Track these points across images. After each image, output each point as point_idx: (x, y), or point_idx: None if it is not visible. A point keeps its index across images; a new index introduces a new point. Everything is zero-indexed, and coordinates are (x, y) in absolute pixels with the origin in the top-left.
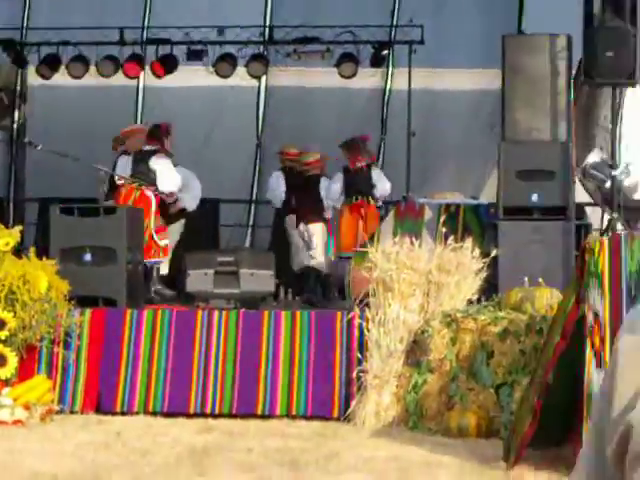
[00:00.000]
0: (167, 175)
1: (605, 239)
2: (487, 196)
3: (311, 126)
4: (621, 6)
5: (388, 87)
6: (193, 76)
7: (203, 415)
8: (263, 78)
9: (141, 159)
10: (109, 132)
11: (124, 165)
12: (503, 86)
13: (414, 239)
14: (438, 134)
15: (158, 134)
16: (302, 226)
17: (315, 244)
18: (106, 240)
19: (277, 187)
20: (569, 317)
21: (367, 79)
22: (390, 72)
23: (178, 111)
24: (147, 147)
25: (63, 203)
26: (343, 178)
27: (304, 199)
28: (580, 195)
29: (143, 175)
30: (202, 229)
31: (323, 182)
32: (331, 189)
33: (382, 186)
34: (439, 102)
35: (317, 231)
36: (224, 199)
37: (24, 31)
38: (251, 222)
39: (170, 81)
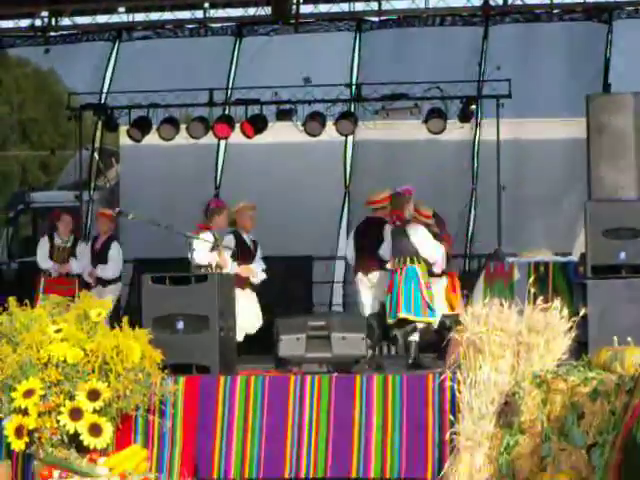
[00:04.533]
0: None
1: None
2: (580, 249)
3: (400, 181)
4: None
5: (477, 139)
6: (280, 134)
7: (297, 479)
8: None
9: None
10: (195, 191)
11: None
12: (588, 145)
13: (504, 300)
14: (528, 186)
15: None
16: None
17: None
18: (198, 308)
19: None
20: None
21: (455, 131)
22: (478, 124)
23: (264, 168)
24: None
25: (155, 264)
26: None
27: None
28: None
29: None
30: (295, 287)
31: None
32: None
33: None
34: (528, 153)
35: None
36: (316, 256)
37: (108, 95)
38: (342, 278)
39: (258, 139)
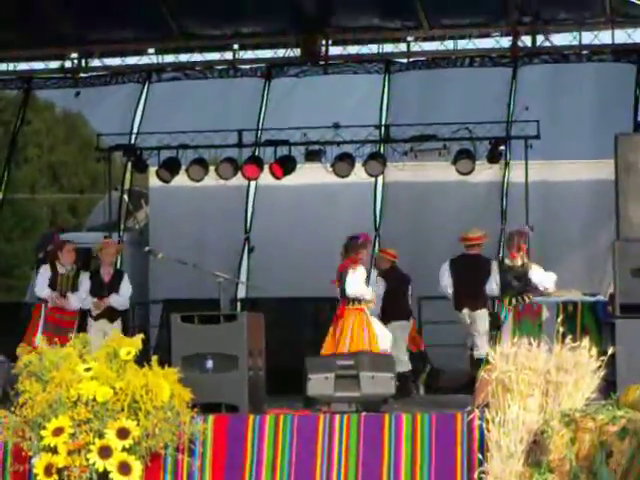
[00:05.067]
0: None
1: None
2: (609, 289)
3: (429, 221)
4: None
5: (506, 180)
6: (309, 175)
7: None
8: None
9: None
10: (225, 232)
11: None
12: (617, 184)
13: (532, 339)
14: (556, 227)
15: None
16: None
17: None
18: (227, 347)
19: None
20: None
21: (484, 172)
22: (507, 165)
23: (294, 210)
24: None
25: (185, 305)
26: None
27: None
28: None
29: None
30: (325, 328)
31: None
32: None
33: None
34: (556, 194)
35: None
36: None
37: (137, 136)
38: None
39: (287, 180)
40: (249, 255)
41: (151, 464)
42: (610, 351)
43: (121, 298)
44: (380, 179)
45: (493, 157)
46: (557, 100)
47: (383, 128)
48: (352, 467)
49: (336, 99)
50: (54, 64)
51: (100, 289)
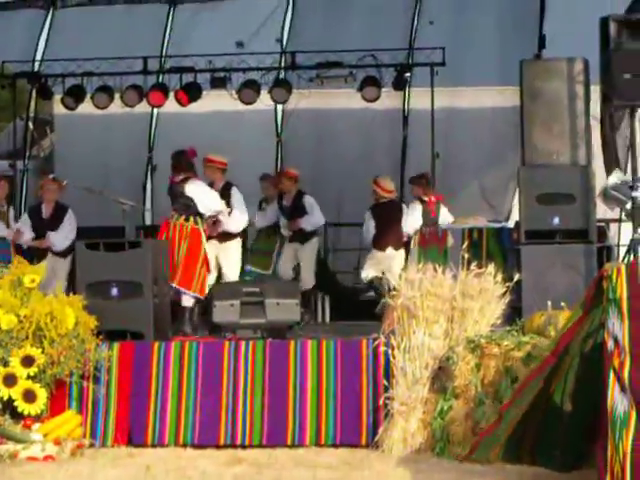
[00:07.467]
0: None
1: (622, 266)
2: (514, 216)
3: (333, 148)
4: (637, 28)
5: (408, 107)
6: (214, 102)
7: (233, 446)
8: None
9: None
10: (129, 160)
11: None
12: (522, 111)
13: (437, 266)
14: (461, 154)
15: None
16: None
17: None
18: (132, 274)
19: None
20: (564, 335)
21: (388, 99)
22: (410, 93)
23: (199, 136)
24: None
25: (90, 233)
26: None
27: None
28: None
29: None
30: None
31: None
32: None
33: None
34: (461, 121)
35: None
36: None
37: (42, 63)
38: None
39: (192, 107)
40: (152, 175)
41: (56, 392)
42: (515, 277)
43: (59, 235)
44: (285, 106)
45: (399, 84)
46: (462, 24)
47: (288, 54)
48: (258, 393)
49: (240, 25)
50: None
51: (40, 227)
